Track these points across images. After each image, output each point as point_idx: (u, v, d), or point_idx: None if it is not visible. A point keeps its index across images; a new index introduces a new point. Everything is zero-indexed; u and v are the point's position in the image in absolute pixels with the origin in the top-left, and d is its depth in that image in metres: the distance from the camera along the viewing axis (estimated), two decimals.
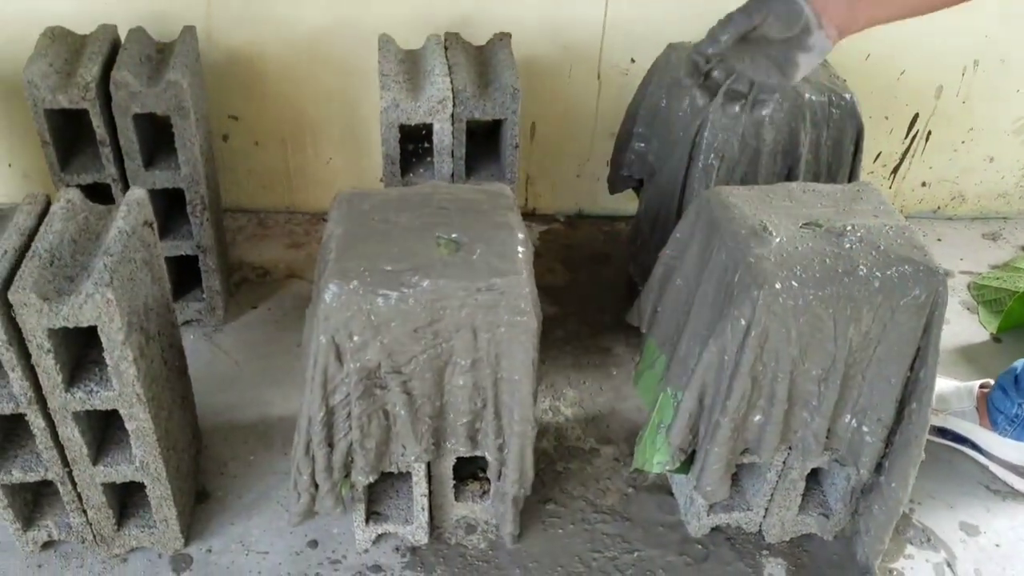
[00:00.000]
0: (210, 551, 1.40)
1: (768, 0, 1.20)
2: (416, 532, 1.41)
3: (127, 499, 1.40)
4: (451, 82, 1.55)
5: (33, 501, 1.37)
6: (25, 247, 1.16)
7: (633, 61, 1.95)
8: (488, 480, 1.41)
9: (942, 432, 1.60)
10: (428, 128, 1.60)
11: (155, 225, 1.29)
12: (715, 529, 1.45)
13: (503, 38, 1.71)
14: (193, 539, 1.41)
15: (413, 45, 1.72)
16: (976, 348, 1.86)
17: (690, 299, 1.32)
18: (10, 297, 1.07)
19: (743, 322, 1.14)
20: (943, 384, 1.62)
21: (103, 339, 1.12)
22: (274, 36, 1.88)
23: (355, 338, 1.14)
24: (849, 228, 1.21)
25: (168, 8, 1.81)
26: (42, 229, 1.18)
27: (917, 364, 1.22)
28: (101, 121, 1.54)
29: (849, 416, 1.26)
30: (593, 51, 1.94)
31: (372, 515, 1.40)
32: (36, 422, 1.20)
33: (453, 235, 1.21)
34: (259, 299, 1.89)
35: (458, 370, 1.20)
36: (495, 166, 1.69)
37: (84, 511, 1.32)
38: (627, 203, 2.14)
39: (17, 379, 1.15)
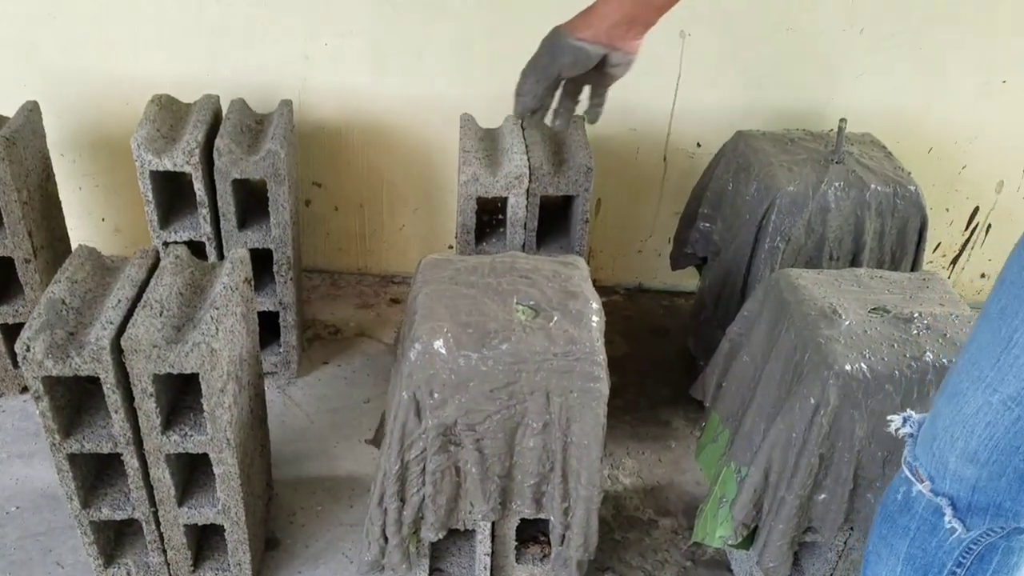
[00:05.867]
0: None
1: (555, 55, 1.18)
2: None
3: (203, 542, 1.46)
4: (528, 159, 1.64)
5: (115, 540, 1.44)
6: (137, 297, 1.26)
7: (699, 145, 2.03)
8: (548, 544, 1.44)
9: None
10: (503, 201, 1.68)
11: (253, 282, 1.38)
12: None
13: (577, 120, 1.81)
14: None
15: (492, 124, 1.82)
16: None
17: (756, 376, 1.36)
18: (123, 343, 1.16)
19: (812, 401, 1.18)
20: None
21: (203, 386, 1.20)
22: (360, 109, 2.00)
23: (435, 395, 1.21)
24: (916, 315, 1.25)
25: (267, 80, 1.95)
26: (153, 282, 1.28)
27: None
28: (202, 184, 1.65)
29: None
30: (661, 134, 2.03)
31: (435, 572, 1.44)
32: (131, 462, 1.28)
33: (531, 302, 1.27)
34: (330, 355, 1.96)
35: (529, 432, 1.25)
36: (564, 239, 1.77)
37: (164, 551, 1.38)
38: (686, 279, 2.19)
39: (119, 420, 1.23)
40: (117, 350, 1.17)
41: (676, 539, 1.57)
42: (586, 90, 1.25)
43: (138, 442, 1.26)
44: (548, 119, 1.26)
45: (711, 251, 1.79)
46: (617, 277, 2.27)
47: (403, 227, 2.17)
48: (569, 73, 1.20)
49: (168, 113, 1.75)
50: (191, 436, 1.26)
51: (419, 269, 1.37)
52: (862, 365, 1.16)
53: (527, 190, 1.65)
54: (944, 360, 1.18)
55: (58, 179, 1.85)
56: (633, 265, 2.25)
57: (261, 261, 1.80)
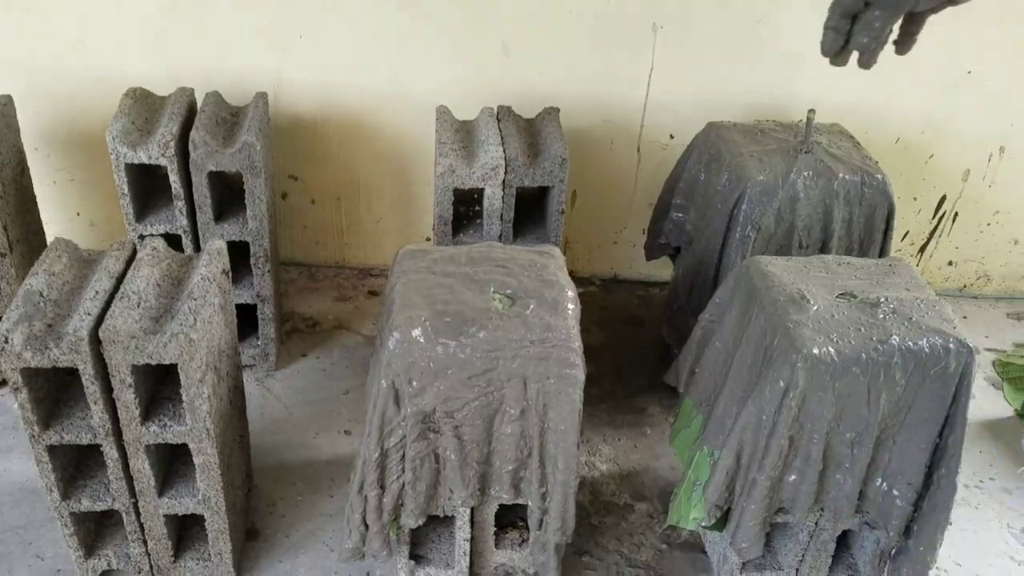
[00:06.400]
0: None
1: None
2: None
3: (183, 533, 1.47)
4: (504, 151, 1.66)
5: (95, 531, 1.44)
6: (114, 289, 1.26)
7: (672, 137, 2.06)
8: (527, 529, 1.46)
9: None
10: (479, 193, 1.70)
11: (230, 274, 1.39)
12: None
13: (552, 112, 1.83)
14: (243, 574, 1.47)
15: (467, 116, 1.84)
16: (1000, 423, 1.90)
17: (728, 361, 1.39)
18: (101, 334, 1.17)
19: (781, 384, 1.21)
20: None
21: (182, 376, 1.21)
22: (337, 103, 2.01)
23: (414, 383, 1.22)
24: (883, 300, 1.29)
25: (241, 74, 1.95)
26: (130, 273, 1.28)
27: (946, 431, 1.28)
28: (178, 177, 1.65)
29: (880, 479, 1.31)
30: (634, 126, 2.05)
31: (415, 557, 1.45)
32: (110, 453, 1.28)
33: (508, 291, 1.29)
34: (308, 348, 1.97)
35: (507, 418, 1.27)
36: (540, 230, 1.79)
37: (144, 542, 1.39)
38: (660, 269, 2.22)
39: (98, 411, 1.23)
40: (95, 341, 1.18)
41: (652, 523, 1.60)
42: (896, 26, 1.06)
43: (117, 433, 1.27)
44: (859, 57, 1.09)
45: (684, 241, 1.82)
46: (593, 268, 2.30)
47: (380, 220, 2.19)
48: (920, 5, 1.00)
49: (143, 106, 1.75)
50: (170, 426, 1.26)
51: (396, 259, 1.38)
52: (830, 349, 1.19)
53: (503, 181, 1.67)
54: (910, 343, 1.21)
55: (33, 173, 1.84)
56: (608, 256, 2.27)
57: (238, 254, 1.80)
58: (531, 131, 1.81)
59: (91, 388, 1.21)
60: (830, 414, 1.23)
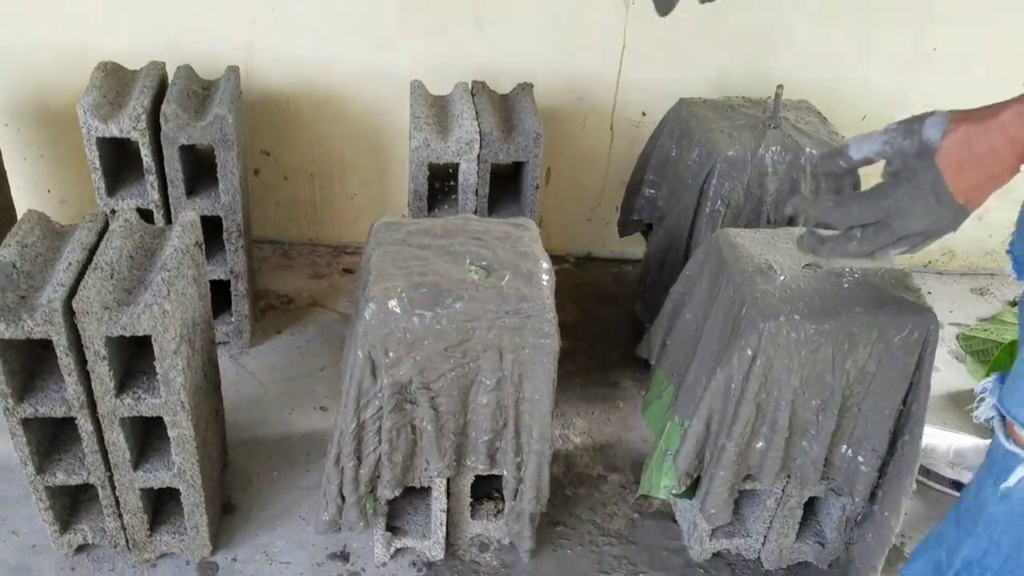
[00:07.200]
0: (235, 560, 1.46)
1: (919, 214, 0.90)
2: (433, 547, 1.48)
3: (159, 507, 1.47)
4: (479, 125, 1.67)
5: (71, 505, 1.44)
6: (87, 261, 1.26)
7: (644, 114, 2.08)
8: (502, 500, 1.48)
9: (957, 486, 1.67)
10: (454, 168, 1.71)
11: (203, 246, 1.39)
12: (716, 555, 1.53)
13: (526, 87, 1.84)
14: (220, 548, 1.47)
15: (441, 91, 1.84)
16: (964, 396, 1.95)
17: (698, 332, 1.41)
18: (74, 305, 1.16)
19: (749, 352, 1.24)
20: (962, 440, 1.70)
21: (156, 348, 1.21)
22: (309, 78, 2.00)
23: (390, 354, 1.23)
24: (847, 270, 1.32)
25: (212, 48, 1.93)
26: (103, 245, 1.28)
27: (909, 398, 1.31)
28: (149, 151, 1.64)
29: (845, 446, 1.35)
30: (607, 104, 2.07)
31: (391, 529, 1.47)
32: (85, 426, 1.28)
33: (483, 262, 1.31)
34: (283, 325, 1.97)
35: (483, 389, 1.29)
36: (515, 205, 1.80)
37: (120, 516, 1.39)
38: (633, 247, 2.25)
39: (72, 384, 1.23)
40: (69, 312, 1.18)
41: (624, 493, 1.63)
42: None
43: (92, 406, 1.26)
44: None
45: (656, 217, 1.84)
46: (567, 246, 2.32)
47: (354, 196, 2.18)
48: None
49: (114, 80, 1.73)
50: (145, 399, 1.26)
51: (372, 231, 1.39)
52: (796, 317, 1.22)
53: (478, 156, 1.67)
54: (874, 312, 1.25)
55: (2, 149, 1.82)
56: (582, 234, 2.29)
57: (211, 230, 1.80)
58: (505, 106, 1.82)
59: (65, 360, 1.21)
60: (796, 381, 1.26)
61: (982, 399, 1.09)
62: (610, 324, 2.07)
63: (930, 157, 0.87)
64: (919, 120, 0.90)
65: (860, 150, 0.93)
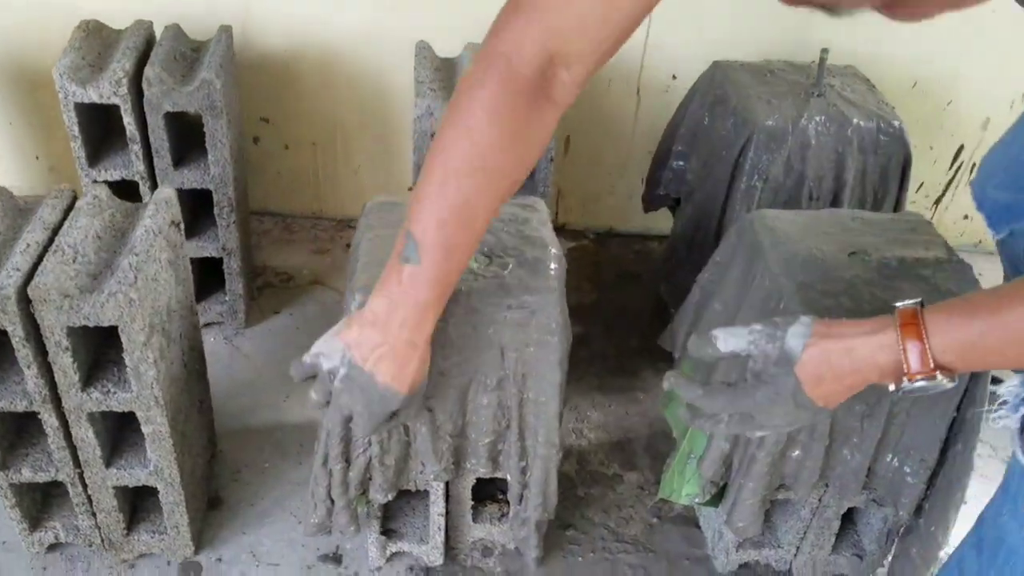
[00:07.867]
0: (220, 560, 1.36)
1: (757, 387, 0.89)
2: (431, 552, 1.36)
3: (138, 503, 1.37)
4: None
5: (42, 501, 1.34)
6: (49, 242, 1.14)
7: (675, 78, 1.91)
8: (507, 502, 1.36)
9: None
10: None
11: (182, 226, 1.27)
12: (743, 566, 1.40)
13: None
14: (203, 547, 1.37)
15: (450, 53, 1.69)
16: None
17: (729, 326, 1.27)
18: (30, 292, 1.05)
19: None
20: None
21: (123, 340, 1.09)
22: (310, 40, 1.86)
23: None
24: (899, 260, 1.16)
25: (206, 6, 1.79)
26: (66, 224, 1.16)
27: (964, 404, 1.16)
28: (132, 118, 1.52)
29: (891, 455, 1.20)
30: (634, 66, 1.90)
31: (387, 532, 1.36)
32: (49, 421, 1.17)
33: (485, 249, 1.17)
34: (282, 304, 1.86)
35: (482, 389, 1.16)
36: (527, 180, 1.66)
37: (93, 514, 1.29)
38: (660, 222, 2.09)
39: (32, 376, 1.12)
40: (25, 300, 1.06)
41: (642, 495, 1.51)
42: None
43: (56, 400, 1.16)
44: None
45: (685, 191, 1.69)
46: (587, 221, 2.17)
47: (359, 168, 2.05)
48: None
49: (96, 40, 1.60)
50: (114, 393, 1.15)
51: (364, 213, 1.26)
52: (841, 313, 1.07)
53: None
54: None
55: None
56: (604, 208, 2.14)
57: (204, 203, 1.68)
58: None
59: (23, 351, 1.10)
60: None
61: (1004, 402, 0.94)
62: (631, 307, 1.93)
63: (790, 366, 0.86)
64: (783, 326, 0.89)
65: (727, 344, 0.93)
